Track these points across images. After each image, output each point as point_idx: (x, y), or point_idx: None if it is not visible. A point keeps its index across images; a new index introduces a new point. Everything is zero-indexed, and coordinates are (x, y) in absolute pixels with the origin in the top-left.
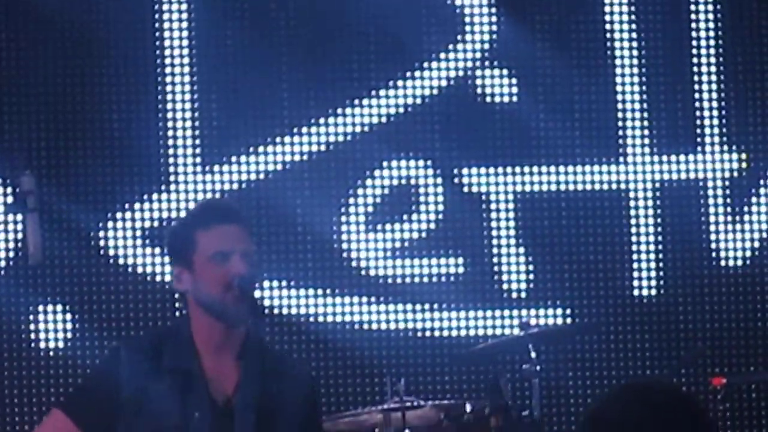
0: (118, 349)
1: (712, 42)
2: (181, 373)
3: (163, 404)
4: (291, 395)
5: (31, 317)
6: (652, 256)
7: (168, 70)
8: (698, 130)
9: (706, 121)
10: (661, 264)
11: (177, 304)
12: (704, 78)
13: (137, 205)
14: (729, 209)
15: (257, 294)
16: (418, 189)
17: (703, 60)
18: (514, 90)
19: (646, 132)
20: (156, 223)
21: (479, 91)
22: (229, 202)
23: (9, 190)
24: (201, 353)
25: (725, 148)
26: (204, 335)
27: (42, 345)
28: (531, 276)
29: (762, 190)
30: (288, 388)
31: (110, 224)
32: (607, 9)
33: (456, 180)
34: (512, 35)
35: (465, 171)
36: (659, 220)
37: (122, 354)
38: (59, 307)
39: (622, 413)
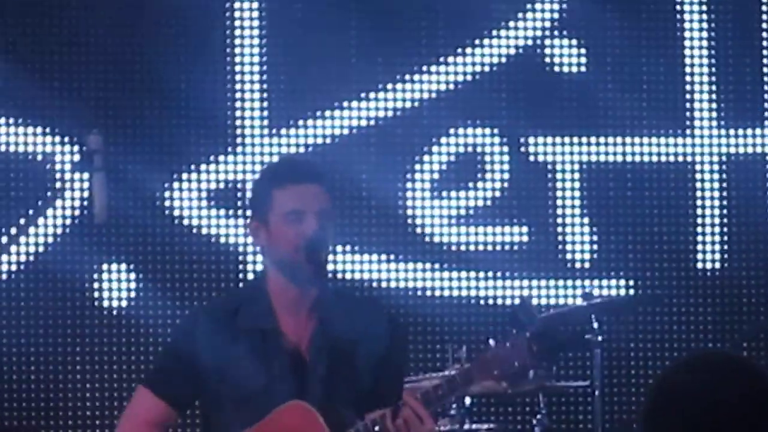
0: (195, 316)
1: None
2: (258, 332)
3: (245, 368)
4: (366, 335)
5: (96, 276)
6: (717, 229)
7: (237, 32)
8: (766, 104)
9: None
10: (725, 237)
11: (240, 266)
12: None
13: (204, 167)
14: None
15: (328, 256)
16: (484, 157)
17: None
18: (582, 60)
19: (714, 105)
20: (222, 185)
21: (547, 60)
22: (310, 161)
23: (76, 148)
24: (277, 311)
25: None
26: (279, 293)
27: (106, 304)
28: (595, 246)
29: None
30: (363, 328)
31: (176, 185)
32: None
33: (522, 149)
34: (581, 5)
35: (531, 140)
36: (724, 193)
37: (199, 320)
38: (123, 267)
39: (693, 382)
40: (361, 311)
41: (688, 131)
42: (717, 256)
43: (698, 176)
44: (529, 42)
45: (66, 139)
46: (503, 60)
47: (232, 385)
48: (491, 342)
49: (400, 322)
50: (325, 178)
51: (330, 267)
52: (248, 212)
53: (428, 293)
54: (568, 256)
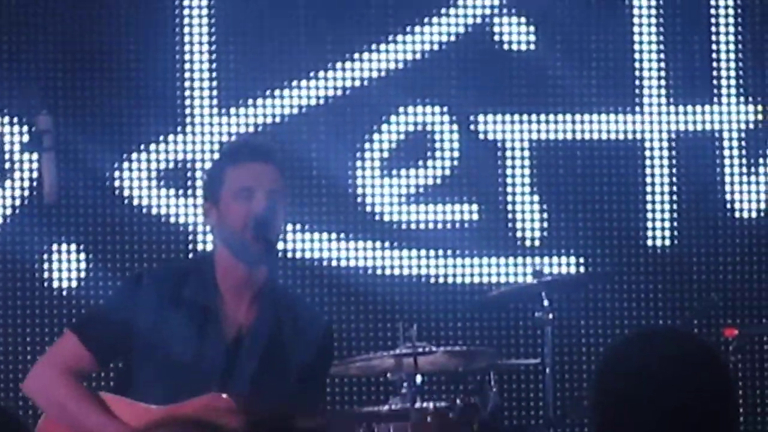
0: (139, 277)
1: None
2: (199, 307)
3: (178, 338)
4: (302, 339)
5: (45, 256)
6: (667, 206)
7: (186, 11)
8: (715, 81)
9: (723, 72)
10: (675, 214)
11: (190, 246)
12: (722, 28)
13: (153, 146)
14: (744, 161)
15: (278, 235)
16: (434, 135)
17: (721, 10)
18: (532, 38)
19: (663, 82)
20: (172, 165)
21: (496, 38)
22: (265, 140)
23: (25, 128)
24: (222, 291)
25: (742, 99)
26: (226, 273)
27: (55, 284)
28: (545, 224)
29: None
30: (300, 331)
31: (126, 164)
32: None
33: (472, 127)
34: None
35: (481, 118)
36: (674, 170)
37: (144, 282)
38: (73, 247)
39: (639, 359)
40: (301, 313)
41: (637, 108)
42: (667, 233)
43: (648, 153)
44: (478, 20)
45: (15, 120)
46: (452, 38)
47: (163, 352)
48: None
49: (332, 331)
50: (279, 159)
51: (279, 247)
52: (202, 193)
53: (379, 271)
54: (519, 233)
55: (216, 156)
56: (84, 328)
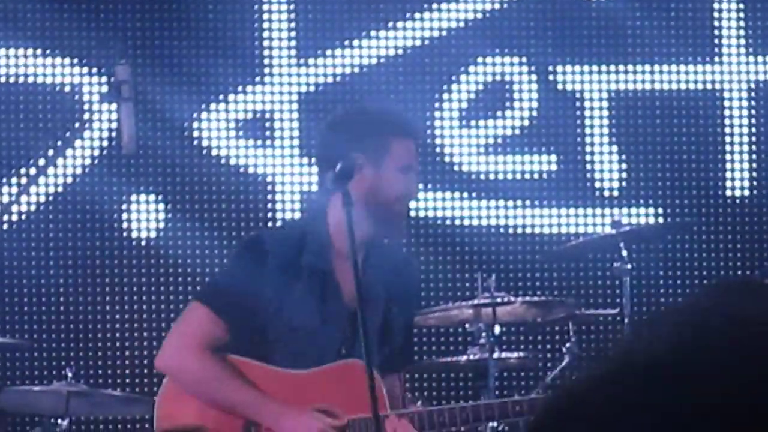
0: (258, 242)
1: None
2: (319, 273)
3: (301, 305)
4: (408, 287)
5: (125, 207)
6: (746, 156)
7: None
8: None
9: None
10: (754, 165)
11: (269, 196)
12: None
13: (232, 97)
14: None
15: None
16: (513, 86)
17: None
18: None
19: (742, 32)
20: (251, 115)
21: None
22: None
23: (104, 79)
24: (337, 254)
25: None
26: (340, 235)
27: (135, 234)
28: (623, 175)
29: None
30: (405, 281)
31: (205, 115)
32: None
33: (550, 77)
34: None
35: (559, 68)
36: (753, 120)
37: (265, 248)
38: (152, 197)
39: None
40: (400, 264)
41: (716, 59)
42: (746, 183)
43: (727, 104)
44: None
45: (94, 70)
46: None
47: (287, 319)
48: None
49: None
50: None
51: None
52: (354, 143)
53: (458, 222)
54: (597, 184)
55: (371, 117)
56: (214, 299)
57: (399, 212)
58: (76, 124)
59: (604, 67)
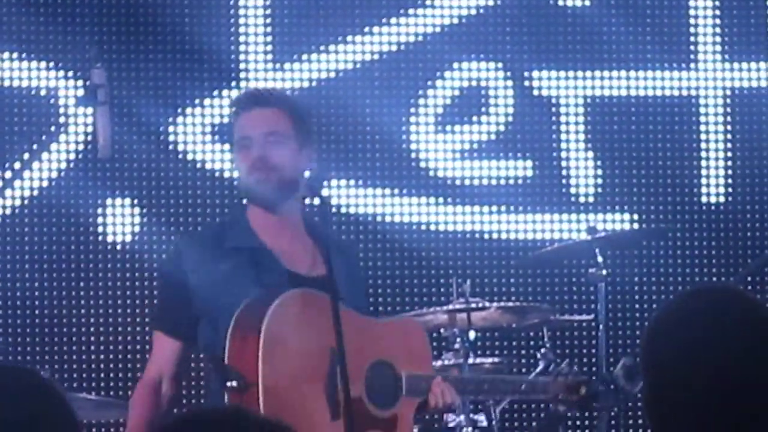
0: (177, 245)
1: None
2: (246, 250)
3: (236, 282)
4: (352, 265)
5: (100, 211)
6: (721, 162)
7: None
8: None
9: None
10: (730, 171)
11: (244, 201)
12: None
13: (208, 101)
14: None
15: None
16: (488, 91)
17: None
18: None
19: (718, 38)
20: (226, 120)
21: None
22: (271, 89)
23: (80, 83)
24: (260, 234)
25: None
26: (256, 217)
27: (110, 239)
28: (599, 180)
29: None
30: (349, 258)
31: (180, 119)
32: None
33: (526, 83)
34: None
35: (535, 74)
36: (729, 127)
37: (183, 247)
38: (128, 201)
39: (691, 311)
40: (341, 240)
41: (692, 65)
42: (722, 189)
43: (702, 110)
44: None
45: (69, 74)
46: None
47: (228, 302)
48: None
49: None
50: (281, 101)
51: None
52: None
53: (433, 227)
54: (573, 190)
55: None
56: (162, 322)
57: (252, 183)
58: (52, 128)
59: (580, 73)
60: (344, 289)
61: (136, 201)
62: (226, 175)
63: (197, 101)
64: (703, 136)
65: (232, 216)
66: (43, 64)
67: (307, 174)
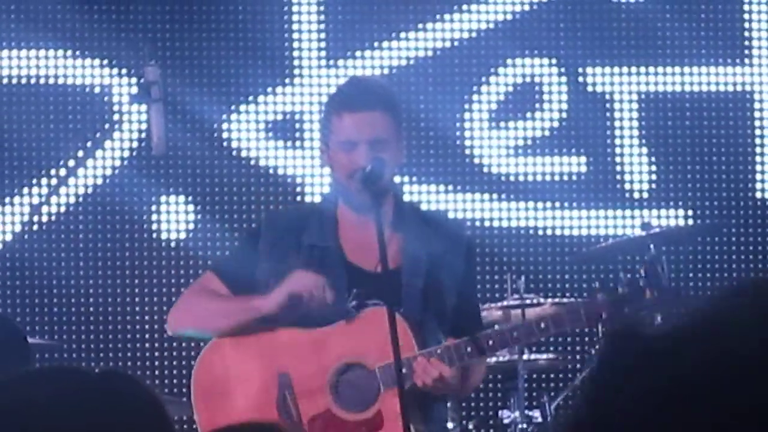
0: (263, 219)
1: None
2: (318, 249)
3: None
4: (451, 256)
5: (154, 208)
6: None
7: None
8: None
9: None
10: None
11: (298, 198)
12: None
13: (262, 98)
14: None
15: (385, 183)
16: (542, 87)
17: None
18: None
19: None
20: (280, 117)
21: None
22: (373, 86)
23: (134, 80)
24: (344, 229)
25: None
26: (345, 213)
27: (164, 236)
28: (653, 177)
29: None
30: (449, 249)
31: (234, 116)
32: None
33: (580, 79)
34: None
35: (589, 70)
36: None
37: (263, 225)
38: (181, 198)
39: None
40: (445, 230)
41: (746, 60)
42: None
43: (757, 105)
44: None
45: (123, 71)
46: None
47: None
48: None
49: (474, 242)
50: (387, 103)
51: (393, 191)
52: (321, 126)
53: (487, 223)
54: (627, 186)
55: (328, 98)
56: (218, 265)
57: (354, 189)
58: (106, 126)
59: (633, 69)
60: (432, 279)
61: (190, 198)
62: (280, 172)
63: (251, 98)
64: (757, 132)
65: (323, 207)
66: (97, 61)
67: (368, 168)
